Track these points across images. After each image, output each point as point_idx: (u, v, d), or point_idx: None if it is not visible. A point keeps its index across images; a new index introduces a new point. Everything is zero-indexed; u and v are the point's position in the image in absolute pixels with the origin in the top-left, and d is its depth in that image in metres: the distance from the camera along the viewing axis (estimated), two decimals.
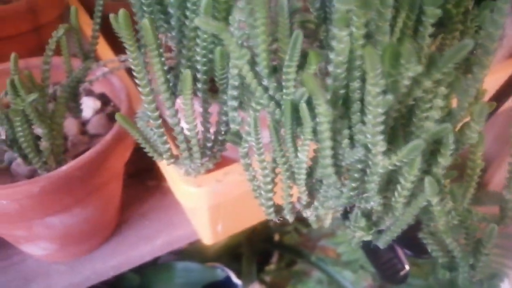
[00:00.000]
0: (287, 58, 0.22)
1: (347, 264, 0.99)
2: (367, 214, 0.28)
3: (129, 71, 0.48)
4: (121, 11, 0.25)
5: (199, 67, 0.29)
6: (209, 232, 0.53)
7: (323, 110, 0.20)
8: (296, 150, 0.26)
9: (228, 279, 0.82)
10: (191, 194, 0.43)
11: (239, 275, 0.85)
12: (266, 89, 0.25)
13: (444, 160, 0.24)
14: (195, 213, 0.53)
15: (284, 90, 0.24)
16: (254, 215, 0.58)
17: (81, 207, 0.45)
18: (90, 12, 0.71)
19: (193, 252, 0.87)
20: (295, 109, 0.24)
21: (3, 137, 0.39)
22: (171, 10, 0.30)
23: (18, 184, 0.38)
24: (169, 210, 0.59)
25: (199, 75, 0.29)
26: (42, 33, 0.65)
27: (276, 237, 1.11)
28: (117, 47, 0.48)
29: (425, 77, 0.21)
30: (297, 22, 0.26)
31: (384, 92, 0.20)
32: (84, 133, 0.50)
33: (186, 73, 0.27)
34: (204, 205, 0.45)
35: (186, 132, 0.31)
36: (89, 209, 0.47)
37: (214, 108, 0.32)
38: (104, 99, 0.53)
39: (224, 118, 0.32)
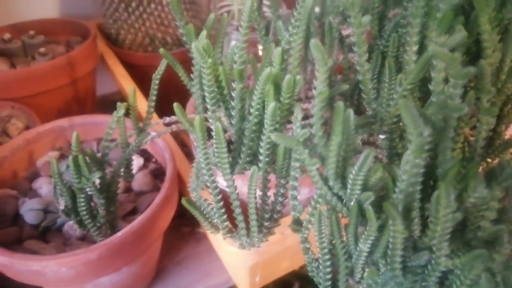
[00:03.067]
0: (357, 168, 0.24)
1: None
2: None
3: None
4: (198, 120, 0.27)
5: (261, 158, 0.31)
6: (247, 284, 0.54)
7: (399, 229, 0.22)
8: (356, 240, 0.28)
9: None
10: (234, 254, 0.44)
11: None
12: (329, 187, 0.27)
13: (499, 257, 0.26)
14: (235, 268, 0.54)
15: (350, 191, 0.26)
16: (290, 264, 0.60)
17: (130, 265, 0.47)
18: (121, 60, 0.74)
19: None
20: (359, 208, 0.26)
21: (62, 207, 0.41)
22: (233, 103, 0.32)
23: (77, 252, 0.40)
24: (204, 257, 0.61)
25: (260, 165, 0.31)
26: (78, 85, 0.68)
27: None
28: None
29: (488, 194, 0.23)
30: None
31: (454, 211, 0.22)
32: (129, 190, 0.52)
33: (254, 170, 0.29)
34: (246, 265, 0.47)
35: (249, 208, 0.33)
36: (137, 265, 0.49)
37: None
38: (146, 155, 0.55)
39: (280, 199, 0.34)
